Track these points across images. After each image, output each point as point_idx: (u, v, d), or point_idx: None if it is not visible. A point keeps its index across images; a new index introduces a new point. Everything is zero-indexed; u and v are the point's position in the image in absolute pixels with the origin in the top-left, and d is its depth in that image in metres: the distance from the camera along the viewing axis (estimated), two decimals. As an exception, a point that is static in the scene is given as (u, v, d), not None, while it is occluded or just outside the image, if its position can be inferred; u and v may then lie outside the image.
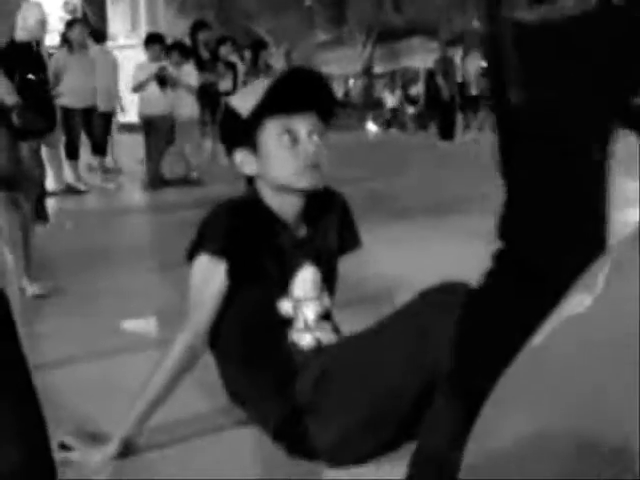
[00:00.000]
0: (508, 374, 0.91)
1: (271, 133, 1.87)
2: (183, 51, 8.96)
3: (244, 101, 1.89)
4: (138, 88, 8.64)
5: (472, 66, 16.52)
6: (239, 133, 1.91)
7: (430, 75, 16.78)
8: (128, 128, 12.13)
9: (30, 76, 4.87)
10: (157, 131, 8.57)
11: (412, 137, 18.46)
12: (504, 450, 0.84)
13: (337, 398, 1.78)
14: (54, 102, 4.95)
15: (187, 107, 8.87)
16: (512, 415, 0.84)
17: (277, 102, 1.85)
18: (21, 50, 5.04)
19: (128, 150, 9.92)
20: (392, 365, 1.74)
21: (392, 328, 1.81)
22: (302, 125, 1.88)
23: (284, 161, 1.87)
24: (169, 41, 9.55)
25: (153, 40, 8.91)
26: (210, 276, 1.83)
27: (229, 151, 1.96)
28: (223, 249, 1.81)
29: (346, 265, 2.14)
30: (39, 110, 3.94)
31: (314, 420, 1.78)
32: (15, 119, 3.51)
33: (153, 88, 8.60)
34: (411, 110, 23.30)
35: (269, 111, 1.86)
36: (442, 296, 1.76)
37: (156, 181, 8.43)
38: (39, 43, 5.36)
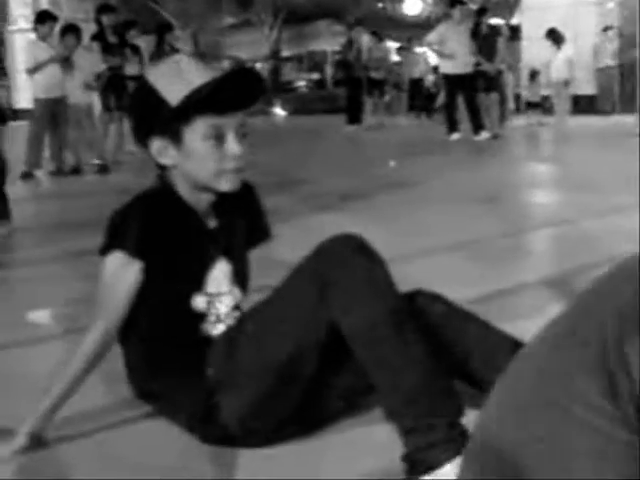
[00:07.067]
0: None
1: (199, 129, 1.78)
2: (77, 34, 8.70)
3: (171, 86, 1.77)
4: (36, 69, 8.35)
5: (380, 49, 16.62)
6: (161, 120, 1.80)
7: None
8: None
9: None
10: (45, 116, 8.38)
11: (319, 121, 18.47)
12: None
13: (244, 369, 1.77)
14: None
15: (84, 93, 8.71)
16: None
17: (213, 101, 1.76)
18: None
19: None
20: (290, 325, 1.73)
21: (288, 289, 1.79)
22: (231, 126, 1.80)
23: (207, 162, 1.80)
24: (64, 24, 9.26)
25: (43, 18, 8.60)
26: (124, 273, 1.80)
27: (142, 136, 1.85)
28: (138, 248, 1.77)
29: (263, 253, 2.13)
30: None
31: (225, 397, 1.77)
32: None
33: (52, 71, 8.37)
34: None
35: (201, 107, 1.77)
36: (338, 248, 1.74)
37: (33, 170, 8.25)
38: None
